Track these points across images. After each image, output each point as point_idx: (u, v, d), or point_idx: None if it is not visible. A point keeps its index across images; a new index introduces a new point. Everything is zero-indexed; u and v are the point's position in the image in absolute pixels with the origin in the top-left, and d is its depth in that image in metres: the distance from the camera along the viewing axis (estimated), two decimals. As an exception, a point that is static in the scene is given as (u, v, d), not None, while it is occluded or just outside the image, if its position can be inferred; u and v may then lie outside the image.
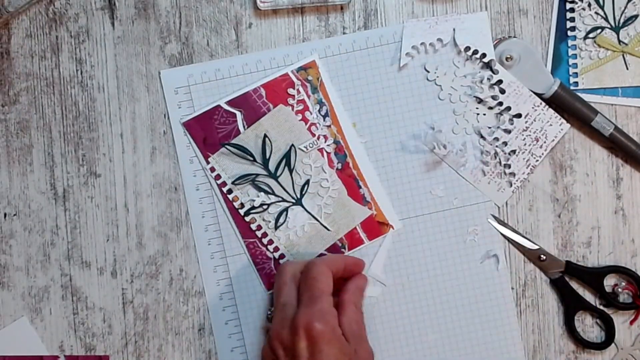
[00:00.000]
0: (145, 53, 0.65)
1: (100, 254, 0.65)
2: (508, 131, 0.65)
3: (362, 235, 0.65)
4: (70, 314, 0.65)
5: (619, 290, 0.66)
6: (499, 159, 0.65)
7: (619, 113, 0.66)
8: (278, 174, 0.64)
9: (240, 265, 0.65)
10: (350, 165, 0.65)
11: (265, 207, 0.64)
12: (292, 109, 0.64)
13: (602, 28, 0.65)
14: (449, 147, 0.65)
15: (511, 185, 0.66)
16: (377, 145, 0.65)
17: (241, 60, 0.65)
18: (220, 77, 0.65)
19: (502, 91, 0.64)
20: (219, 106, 0.64)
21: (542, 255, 0.65)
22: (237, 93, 0.64)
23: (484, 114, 0.65)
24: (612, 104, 0.66)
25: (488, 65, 0.65)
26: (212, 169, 0.64)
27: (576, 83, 0.66)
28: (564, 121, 0.65)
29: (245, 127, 0.64)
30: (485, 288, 0.66)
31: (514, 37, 0.65)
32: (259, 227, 0.65)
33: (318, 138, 0.64)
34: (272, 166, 0.64)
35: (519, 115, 0.65)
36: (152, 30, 0.65)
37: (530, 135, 0.65)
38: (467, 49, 0.64)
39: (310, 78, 0.64)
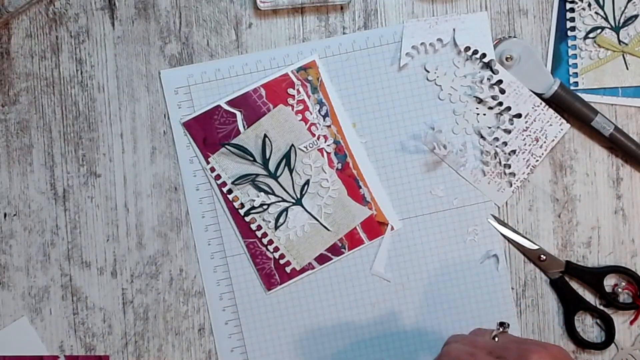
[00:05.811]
0: (145, 53, 0.65)
1: (100, 254, 0.65)
2: (508, 131, 0.65)
3: (362, 235, 0.65)
4: (70, 314, 0.65)
5: (619, 290, 0.66)
6: (499, 159, 0.65)
7: (619, 113, 0.66)
8: (278, 174, 0.64)
9: (240, 265, 0.65)
10: (350, 165, 0.65)
11: (265, 207, 0.64)
12: (292, 109, 0.64)
13: (602, 28, 0.65)
14: (449, 147, 0.65)
15: (511, 185, 0.66)
16: (377, 145, 0.65)
17: (241, 60, 0.65)
18: (220, 77, 0.64)
19: (502, 91, 0.64)
20: (219, 106, 0.64)
21: (542, 255, 0.65)
22: (237, 93, 0.64)
23: (484, 114, 0.65)
24: (612, 104, 0.66)
25: (488, 65, 0.65)
26: (212, 169, 0.64)
27: (576, 83, 0.66)
28: (564, 121, 0.65)
29: (245, 127, 0.64)
30: (485, 288, 0.66)
31: (514, 37, 0.65)
32: (259, 227, 0.65)
33: (318, 138, 0.64)
34: (272, 166, 0.64)
35: (519, 115, 0.65)
36: (152, 30, 0.65)
37: (530, 135, 0.65)
38: (467, 49, 0.64)
39: (310, 78, 0.64)
